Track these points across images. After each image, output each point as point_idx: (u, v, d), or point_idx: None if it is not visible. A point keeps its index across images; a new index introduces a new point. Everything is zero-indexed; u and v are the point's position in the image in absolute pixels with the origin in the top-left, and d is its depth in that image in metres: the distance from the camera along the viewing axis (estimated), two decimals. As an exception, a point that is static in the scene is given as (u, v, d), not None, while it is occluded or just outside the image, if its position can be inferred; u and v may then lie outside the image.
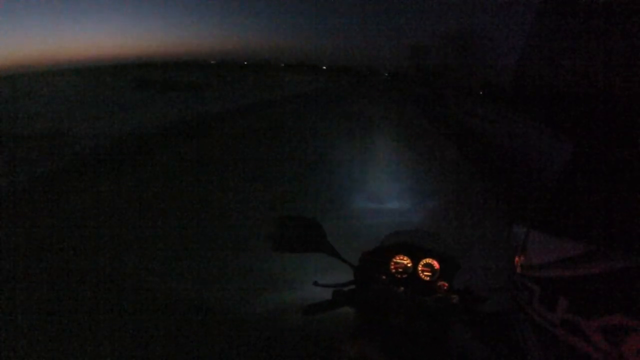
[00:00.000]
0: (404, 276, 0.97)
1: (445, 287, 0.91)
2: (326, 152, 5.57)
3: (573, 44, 0.42)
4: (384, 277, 0.95)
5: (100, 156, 5.66)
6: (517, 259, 0.51)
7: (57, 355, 1.92)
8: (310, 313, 0.87)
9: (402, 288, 0.90)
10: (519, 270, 0.50)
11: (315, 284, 0.91)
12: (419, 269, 0.97)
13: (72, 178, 4.71)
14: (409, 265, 0.97)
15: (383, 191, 4.02)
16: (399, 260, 0.98)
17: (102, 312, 2.19)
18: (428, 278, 0.96)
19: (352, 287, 0.93)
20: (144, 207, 3.84)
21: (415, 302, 0.83)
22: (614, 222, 0.41)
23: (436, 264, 0.97)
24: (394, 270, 0.98)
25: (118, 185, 4.49)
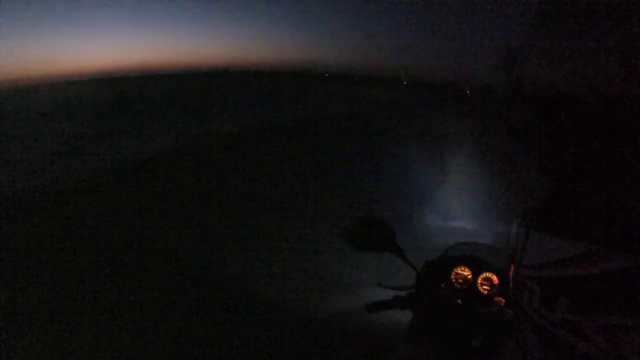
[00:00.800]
0: (464, 287, 1.00)
1: (502, 303, 0.93)
2: (402, 168, 5.60)
3: (573, 44, 0.42)
4: (443, 285, 0.99)
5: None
6: (516, 258, 0.51)
7: (57, 355, 1.92)
8: (373, 310, 0.94)
9: (460, 299, 0.93)
10: (518, 270, 0.50)
11: (380, 285, 0.98)
12: (479, 282, 0.99)
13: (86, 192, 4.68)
14: (469, 277, 1.00)
15: (454, 210, 4.01)
16: (459, 271, 1.01)
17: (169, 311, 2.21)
18: (486, 292, 0.98)
19: (413, 291, 0.98)
20: (207, 207, 3.89)
21: (472, 314, 0.88)
22: (614, 222, 0.41)
23: (495, 279, 0.98)
24: (454, 280, 1.01)
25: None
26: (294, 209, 3.84)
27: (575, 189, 0.46)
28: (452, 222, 3.63)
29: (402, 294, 0.96)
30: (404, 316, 0.96)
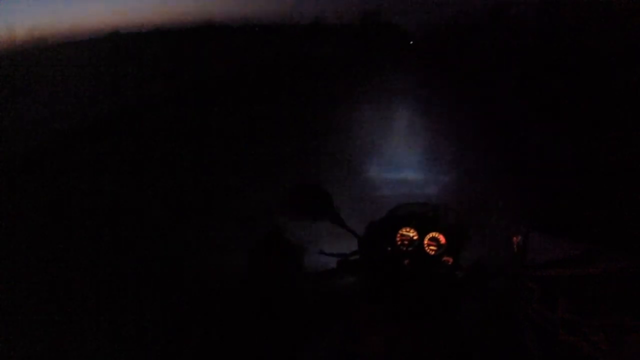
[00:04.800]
0: (410, 249, 0.96)
1: (450, 263, 0.91)
2: (339, 117, 5.21)
3: (573, 45, 0.42)
4: (389, 248, 0.95)
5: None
6: (517, 258, 0.51)
7: (57, 355, 1.92)
8: (315, 281, 0.91)
9: (407, 261, 0.91)
10: (519, 270, 0.50)
11: (321, 252, 0.94)
12: (425, 242, 0.96)
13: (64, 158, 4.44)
14: (415, 238, 0.97)
15: (398, 161, 3.83)
16: (405, 233, 0.97)
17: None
18: (433, 252, 0.95)
19: (357, 257, 0.95)
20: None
21: (420, 276, 0.86)
22: (614, 222, 0.41)
23: (442, 239, 0.95)
24: (399, 243, 0.97)
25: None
26: (224, 175, 3.53)
27: (575, 189, 0.47)
28: (396, 173, 3.48)
29: (346, 260, 0.93)
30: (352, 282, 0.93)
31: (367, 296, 0.90)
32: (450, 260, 0.91)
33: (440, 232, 0.96)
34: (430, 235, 0.96)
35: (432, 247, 0.95)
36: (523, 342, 0.48)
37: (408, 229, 0.97)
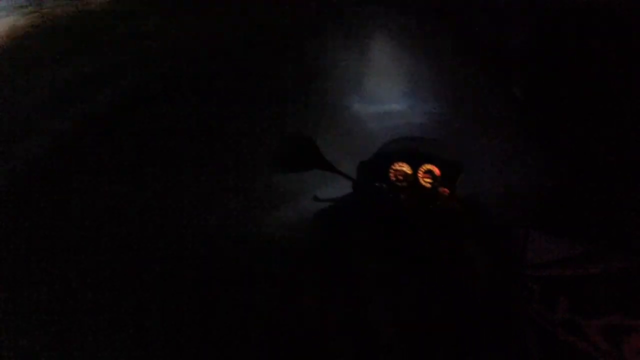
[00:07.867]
0: (404, 184, 0.97)
1: (447, 194, 0.92)
2: (317, 54, 5.19)
3: (573, 45, 0.42)
4: (384, 185, 0.97)
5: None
6: (517, 258, 0.51)
7: (57, 355, 1.91)
8: (316, 224, 0.91)
9: (402, 196, 0.93)
10: (519, 269, 0.50)
11: (315, 198, 0.95)
12: (419, 175, 0.97)
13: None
14: (408, 172, 0.97)
15: (381, 93, 3.81)
16: (398, 168, 0.98)
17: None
18: (429, 185, 0.95)
19: (353, 198, 0.96)
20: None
21: (419, 210, 0.88)
22: (614, 222, 0.41)
23: (437, 170, 0.96)
24: (393, 179, 0.98)
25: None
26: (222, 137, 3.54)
27: (575, 189, 0.47)
28: (382, 105, 3.44)
29: (341, 203, 0.95)
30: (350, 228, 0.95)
31: (363, 243, 0.86)
32: (447, 191, 0.91)
33: (433, 163, 0.97)
34: (425, 168, 0.96)
35: (427, 180, 0.96)
36: (523, 342, 0.48)
37: (401, 164, 0.98)
